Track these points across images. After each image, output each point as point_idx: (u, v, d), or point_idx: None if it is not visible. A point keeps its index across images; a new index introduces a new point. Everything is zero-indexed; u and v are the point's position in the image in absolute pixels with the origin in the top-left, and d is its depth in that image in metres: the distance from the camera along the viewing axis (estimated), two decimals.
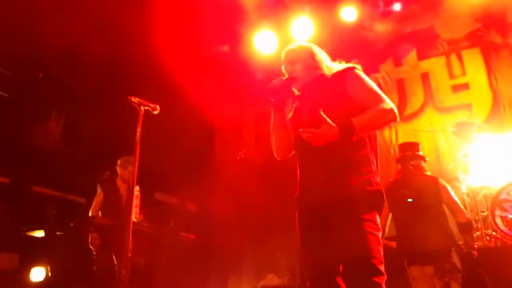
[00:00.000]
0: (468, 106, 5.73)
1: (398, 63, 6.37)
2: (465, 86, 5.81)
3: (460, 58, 5.92)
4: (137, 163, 2.68)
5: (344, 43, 6.40)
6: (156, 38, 5.17)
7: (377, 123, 2.30)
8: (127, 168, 4.53)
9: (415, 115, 6.02)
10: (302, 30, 6.31)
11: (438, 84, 5.98)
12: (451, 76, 5.94)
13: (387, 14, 6.20)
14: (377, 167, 2.35)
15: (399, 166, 4.20)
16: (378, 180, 2.31)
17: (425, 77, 6.08)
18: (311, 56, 2.56)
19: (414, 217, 3.81)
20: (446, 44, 6.03)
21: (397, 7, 6.09)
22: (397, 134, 6.02)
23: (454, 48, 5.98)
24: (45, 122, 5.87)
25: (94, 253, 4.18)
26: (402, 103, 6.13)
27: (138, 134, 2.83)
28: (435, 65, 6.06)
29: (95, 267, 4.09)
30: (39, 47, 5.11)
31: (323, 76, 2.51)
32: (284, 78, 2.47)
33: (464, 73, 5.86)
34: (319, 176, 2.30)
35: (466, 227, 3.82)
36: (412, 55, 6.25)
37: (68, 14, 4.78)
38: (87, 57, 4.96)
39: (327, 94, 2.41)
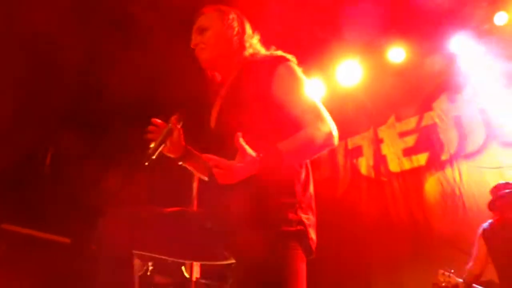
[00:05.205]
0: None
1: (452, 99, 6.12)
2: None
3: None
4: None
5: (392, 85, 6.30)
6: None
7: (310, 152, 1.68)
8: None
9: (478, 152, 5.68)
10: (349, 74, 6.27)
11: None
12: None
13: (436, 51, 6.04)
14: (303, 194, 1.71)
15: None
16: (311, 215, 1.71)
17: (484, 112, 5.78)
18: (227, 22, 1.89)
19: None
20: None
21: (447, 44, 5.92)
22: (460, 173, 5.67)
23: None
24: (102, 182, 6.02)
25: None
26: (462, 140, 5.82)
27: (194, 190, 2.82)
28: None
29: None
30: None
31: (244, 60, 1.87)
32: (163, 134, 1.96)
33: None
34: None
35: None
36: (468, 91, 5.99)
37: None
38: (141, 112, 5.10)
39: (242, 92, 1.77)
